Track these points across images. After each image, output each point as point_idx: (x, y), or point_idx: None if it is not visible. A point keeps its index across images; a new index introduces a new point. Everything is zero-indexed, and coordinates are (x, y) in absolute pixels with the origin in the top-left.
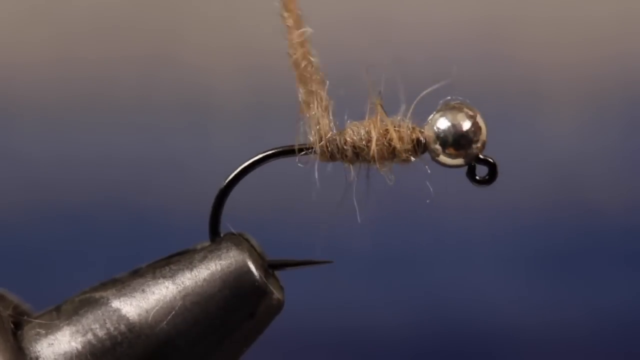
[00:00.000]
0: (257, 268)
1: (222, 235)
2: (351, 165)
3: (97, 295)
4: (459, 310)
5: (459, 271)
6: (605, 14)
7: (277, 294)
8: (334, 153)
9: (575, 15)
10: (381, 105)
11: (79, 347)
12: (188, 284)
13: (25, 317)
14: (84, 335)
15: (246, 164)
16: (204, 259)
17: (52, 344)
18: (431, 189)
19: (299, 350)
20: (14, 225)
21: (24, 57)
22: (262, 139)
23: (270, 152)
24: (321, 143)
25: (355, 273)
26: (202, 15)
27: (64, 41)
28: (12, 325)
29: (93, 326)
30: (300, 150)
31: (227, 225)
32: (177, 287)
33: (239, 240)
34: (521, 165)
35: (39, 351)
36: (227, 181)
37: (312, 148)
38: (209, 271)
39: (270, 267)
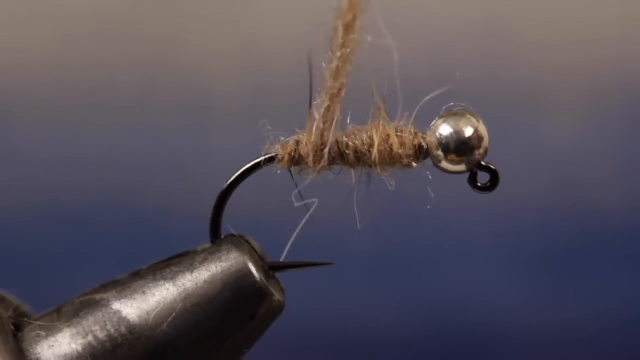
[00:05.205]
0: (257, 270)
1: (222, 236)
2: (352, 170)
3: (97, 296)
4: (459, 310)
5: (459, 271)
6: (605, 14)
7: (277, 296)
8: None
9: (575, 16)
10: (384, 110)
11: (79, 348)
12: (188, 285)
13: (26, 319)
14: (85, 337)
15: (250, 164)
16: (204, 260)
17: (53, 345)
18: (432, 195)
19: (299, 350)
20: (14, 225)
21: (24, 57)
22: (262, 139)
23: (274, 153)
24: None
25: (355, 274)
26: (202, 15)
27: (64, 41)
28: (12, 327)
29: (93, 328)
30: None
31: (227, 226)
32: (177, 289)
33: (239, 241)
34: (521, 165)
35: (39, 353)
36: (228, 182)
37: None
38: (210, 273)
39: (270, 268)
